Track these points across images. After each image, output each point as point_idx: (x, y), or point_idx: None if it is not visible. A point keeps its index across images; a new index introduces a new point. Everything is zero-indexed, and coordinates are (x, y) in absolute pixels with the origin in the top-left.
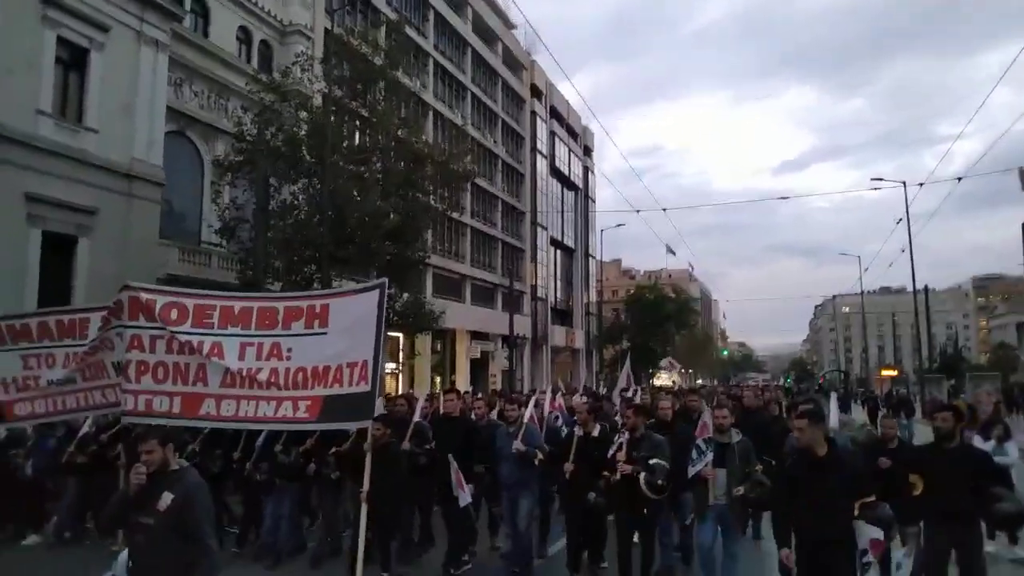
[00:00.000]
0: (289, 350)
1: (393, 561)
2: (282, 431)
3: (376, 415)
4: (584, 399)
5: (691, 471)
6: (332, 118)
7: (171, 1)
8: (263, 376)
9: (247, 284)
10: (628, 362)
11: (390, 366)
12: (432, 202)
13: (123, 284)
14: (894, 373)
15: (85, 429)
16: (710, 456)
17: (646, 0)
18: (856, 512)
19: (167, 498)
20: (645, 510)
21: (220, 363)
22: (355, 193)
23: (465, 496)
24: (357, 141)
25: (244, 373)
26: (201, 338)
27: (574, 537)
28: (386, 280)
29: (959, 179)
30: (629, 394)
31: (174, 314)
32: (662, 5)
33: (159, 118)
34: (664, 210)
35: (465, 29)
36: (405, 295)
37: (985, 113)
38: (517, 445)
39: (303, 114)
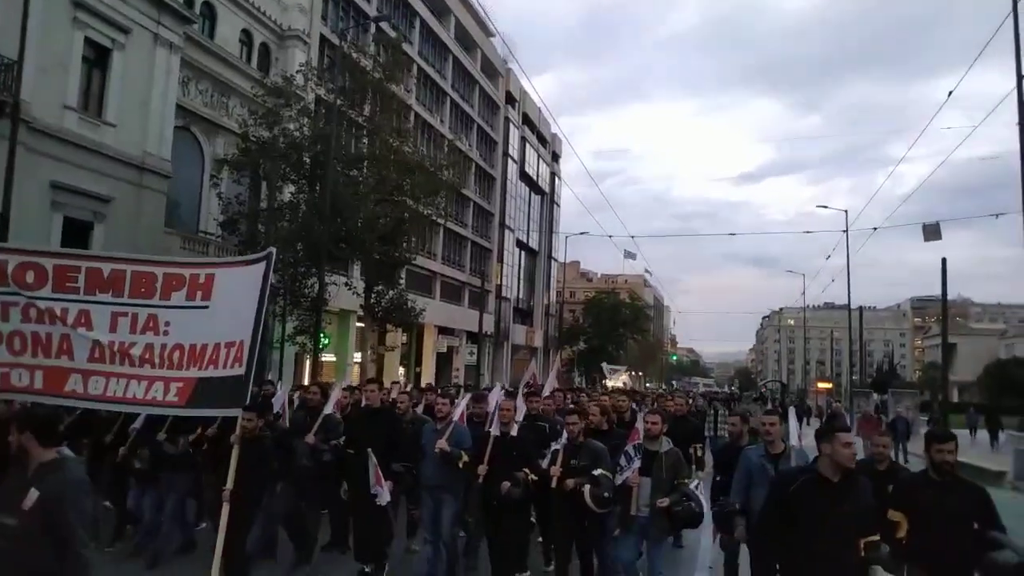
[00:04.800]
0: (167, 324)
1: (247, 564)
2: (166, 416)
3: (247, 403)
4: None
5: (618, 479)
6: (333, 125)
7: (184, 5)
8: (136, 351)
9: None
10: (557, 364)
11: (357, 356)
12: (421, 209)
13: None
14: (829, 386)
15: None
16: (637, 463)
17: (619, 1)
18: (861, 552)
19: (33, 495)
20: (587, 523)
21: (88, 334)
22: (353, 197)
23: (384, 494)
24: (354, 148)
25: (116, 347)
26: (65, 304)
27: (495, 548)
28: (273, 250)
29: (875, 229)
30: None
31: (30, 276)
32: (634, 7)
33: (170, 115)
34: (632, 237)
35: (447, 36)
36: (391, 292)
37: (937, 137)
38: (440, 444)
39: (304, 120)
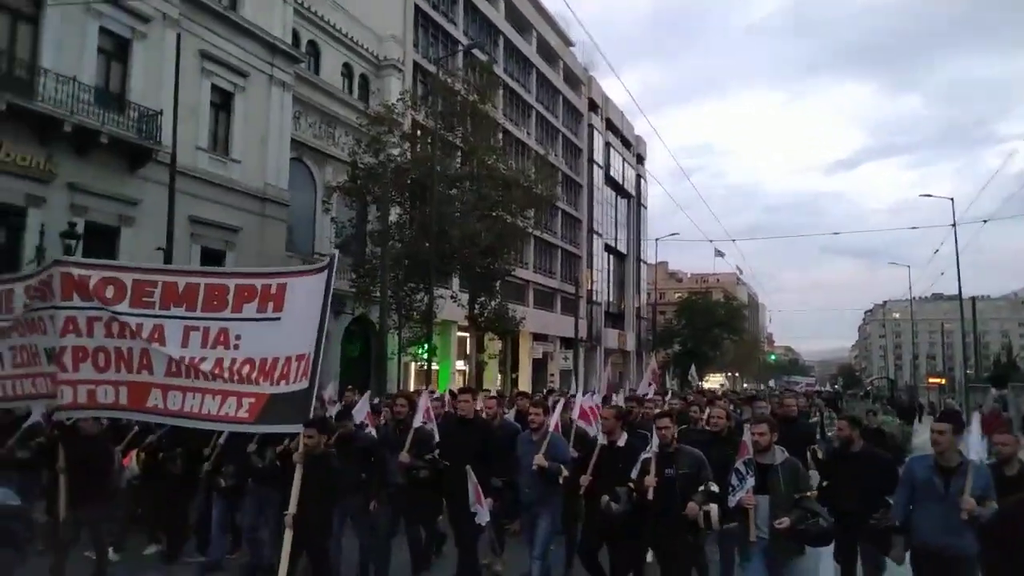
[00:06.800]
0: (238, 337)
1: None
2: None
3: (311, 419)
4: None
5: (731, 500)
6: (432, 148)
7: (293, 47)
8: (207, 366)
9: (361, 292)
10: (653, 364)
11: (460, 364)
12: (520, 223)
13: (53, 259)
14: (941, 382)
15: (34, 418)
16: (751, 482)
17: None
18: None
19: None
20: (694, 538)
21: (161, 350)
22: (456, 215)
23: (484, 513)
24: (453, 169)
25: (187, 362)
26: (140, 319)
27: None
28: (336, 253)
29: (985, 221)
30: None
31: (110, 292)
32: (710, 1)
33: (286, 148)
34: (734, 240)
35: (530, 51)
36: (493, 302)
37: None
38: (538, 459)
39: (406, 144)
